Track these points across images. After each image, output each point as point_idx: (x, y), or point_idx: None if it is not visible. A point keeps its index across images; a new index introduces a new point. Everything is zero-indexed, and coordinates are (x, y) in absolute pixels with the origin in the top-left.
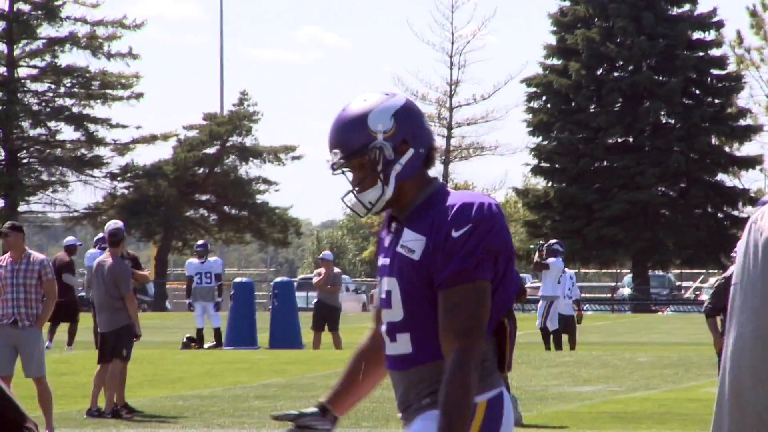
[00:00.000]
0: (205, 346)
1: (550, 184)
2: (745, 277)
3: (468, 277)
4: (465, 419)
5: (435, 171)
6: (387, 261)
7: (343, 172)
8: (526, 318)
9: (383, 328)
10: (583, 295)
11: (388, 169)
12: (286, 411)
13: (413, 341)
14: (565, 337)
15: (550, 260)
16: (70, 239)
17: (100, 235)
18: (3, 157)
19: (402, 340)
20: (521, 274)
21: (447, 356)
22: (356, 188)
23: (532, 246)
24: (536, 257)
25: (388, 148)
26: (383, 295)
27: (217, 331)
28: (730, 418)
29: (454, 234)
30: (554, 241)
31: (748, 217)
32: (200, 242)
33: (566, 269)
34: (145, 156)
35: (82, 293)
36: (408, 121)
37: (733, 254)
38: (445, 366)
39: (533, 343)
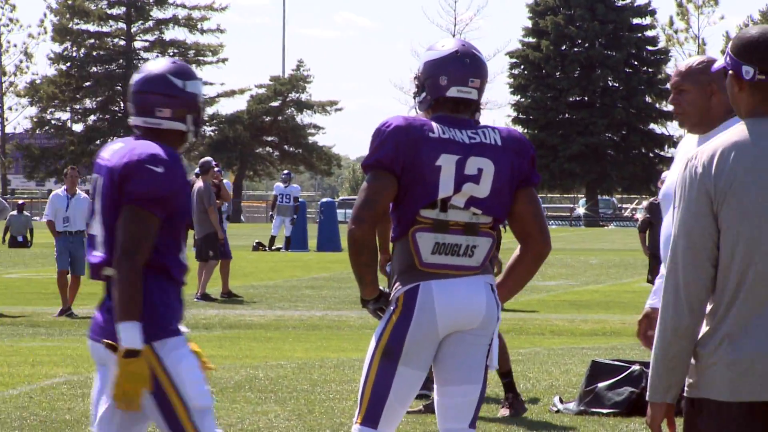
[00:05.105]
0: (273, 248)
1: (525, 131)
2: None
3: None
4: None
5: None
6: None
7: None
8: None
9: None
10: (548, 214)
11: (415, 99)
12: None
13: None
14: None
15: None
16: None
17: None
18: (125, 108)
19: None
20: None
21: None
22: None
23: None
24: None
25: (413, 85)
26: None
27: (287, 239)
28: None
29: None
30: None
31: (673, 157)
32: (285, 171)
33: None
34: (226, 107)
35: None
36: (424, 72)
37: (660, 184)
38: None
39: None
